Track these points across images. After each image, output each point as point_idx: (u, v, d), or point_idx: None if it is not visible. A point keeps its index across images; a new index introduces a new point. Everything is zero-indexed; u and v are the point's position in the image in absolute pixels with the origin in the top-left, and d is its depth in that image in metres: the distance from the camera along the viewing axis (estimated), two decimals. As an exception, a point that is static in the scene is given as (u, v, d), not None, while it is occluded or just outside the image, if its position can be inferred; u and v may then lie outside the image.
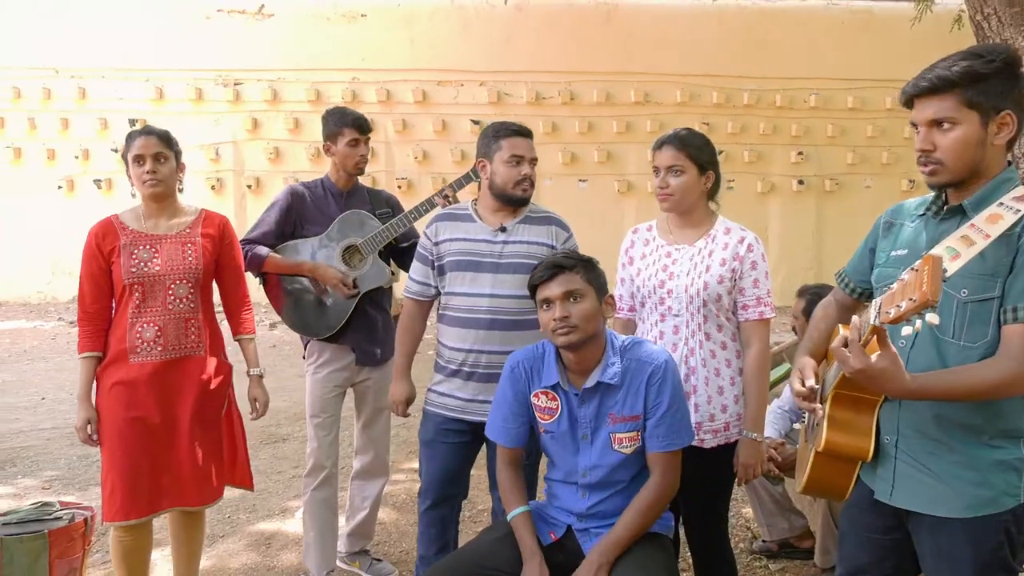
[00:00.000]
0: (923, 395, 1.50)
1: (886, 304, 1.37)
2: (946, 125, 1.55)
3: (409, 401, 2.61)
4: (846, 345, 1.48)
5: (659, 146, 2.28)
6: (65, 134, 9.89)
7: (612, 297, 2.09)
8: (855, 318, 1.50)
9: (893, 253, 1.69)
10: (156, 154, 2.46)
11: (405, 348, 2.61)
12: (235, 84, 9.88)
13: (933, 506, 1.58)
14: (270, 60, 9.78)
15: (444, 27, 9.88)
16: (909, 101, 1.60)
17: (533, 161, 2.50)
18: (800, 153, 10.20)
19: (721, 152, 2.35)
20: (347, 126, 2.94)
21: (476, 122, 9.76)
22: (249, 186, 9.88)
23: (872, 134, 10.21)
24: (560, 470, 2.10)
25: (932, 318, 1.24)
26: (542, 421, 2.10)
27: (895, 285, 1.36)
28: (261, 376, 2.67)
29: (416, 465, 4.23)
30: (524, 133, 2.51)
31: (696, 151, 2.24)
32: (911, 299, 1.26)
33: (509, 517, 2.08)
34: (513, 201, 2.47)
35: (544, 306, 2.02)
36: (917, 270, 1.28)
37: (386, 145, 9.91)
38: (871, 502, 1.69)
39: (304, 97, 9.81)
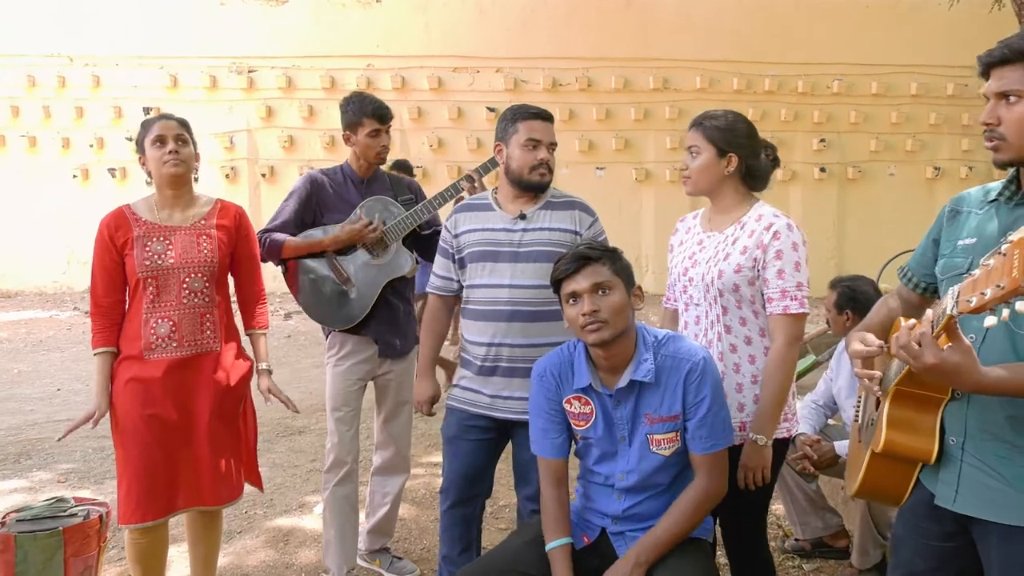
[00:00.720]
0: (999, 391, 1.39)
1: (966, 292, 1.25)
2: (1012, 98, 1.43)
3: (434, 400, 2.52)
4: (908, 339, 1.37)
5: (690, 129, 2.18)
6: (80, 122, 9.86)
7: (640, 288, 1.98)
8: (928, 311, 1.38)
9: (960, 242, 1.57)
10: (177, 135, 2.38)
11: (429, 345, 2.53)
12: (249, 71, 9.82)
13: (1004, 514, 1.46)
14: (284, 47, 9.72)
15: (460, 12, 9.78)
16: (985, 71, 1.48)
17: (552, 146, 2.39)
18: (822, 140, 10.02)
19: (771, 146, 2.24)
20: (367, 116, 2.85)
21: (492, 109, 9.67)
22: (263, 175, 9.83)
23: (896, 120, 10.01)
24: (598, 474, 2.00)
25: (1022, 306, 1.13)
26: (577, 428, 1.99)
27: (978, 272, 1.25)
28: (270, 371, 2.59)
29: (437, 459, 4.16)
30: (543, 116, 2.40)
31: (714, 132, 2.12)
32: (998, 286, 1.15)
33: (548, 547, 1.96)
34: (530, 187, 2.37)
35: (571, 301, 1.91)
36: (1005, 254, 1.16)
37: (401, 133, 9.84)
38: (930, 507, 1.58)
39: (319, 84, 9.73)
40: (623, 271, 1.92)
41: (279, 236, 2.81)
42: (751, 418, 2.09)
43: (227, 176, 9.77)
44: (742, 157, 2.13)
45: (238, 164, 9.87)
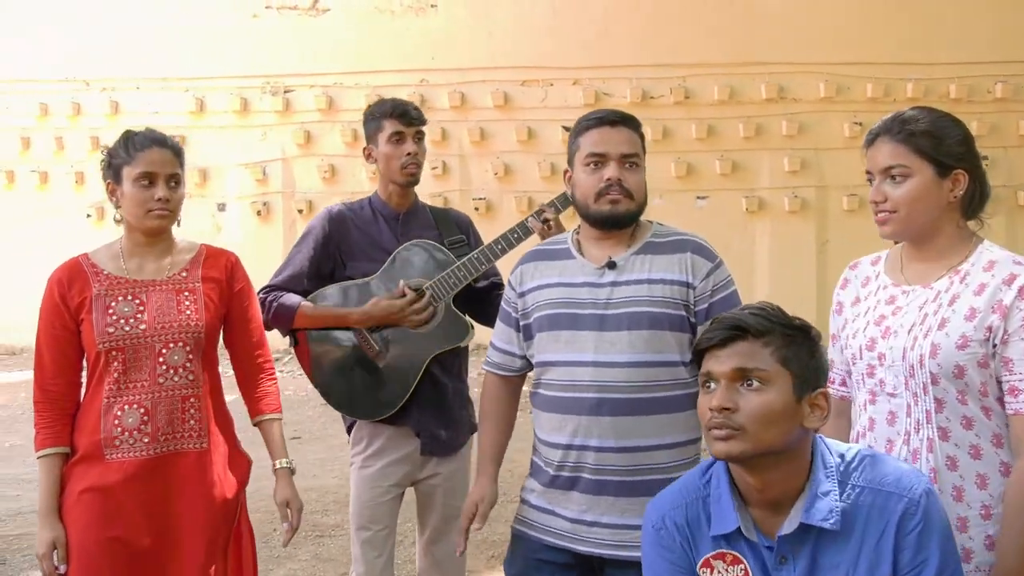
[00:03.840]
0: None
1: None
2: None
3: (488, 504, 2.18)
4: None
5: (871, 140, 1.84)
6: (95, 154, 10.02)
7: (826, 395, 1.57)
8: None
9: None
10: (170, 175, 2.15)
11: (490, 440, 2.21)
12: (285, 92, 9.88)
13: None
14: (325, 63, 9.74)
15: (529, 16, 9.64)
16: None
17: (625, 160, 2.05)
18: (984, 158, 9.37)
19: (985, 158, 1.90)
20: (386, 117, 2.58)
21: (569, 128, 9.38)
22: (300, 211, 9.80)
23: None
24: None
25: None
26: None
27: None
28: (292, 471, 2.28)
29: (500, 578, 3.79)
30: (609, 120, 2.09)
31: (926, 142, 1.77)
32: None
33: None
34: (599, 221, 2.06)
35: (706, 384, 1.55)
36: None
37: (460, 159, 9.68)
38: None
39: (364, 105, 9.57)
40: (796, 360, 1.52)
41: (290, 299, 2.52)
42: (982, 571, 1.67)
43: (259, 213, 9.80)
44: (971, 175, 1.78)
45: (271, 199, 9.89)
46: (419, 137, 2.63)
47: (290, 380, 7.42)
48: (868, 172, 1.84)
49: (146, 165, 2.11)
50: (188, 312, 2.15)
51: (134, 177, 2.12)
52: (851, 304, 1.93)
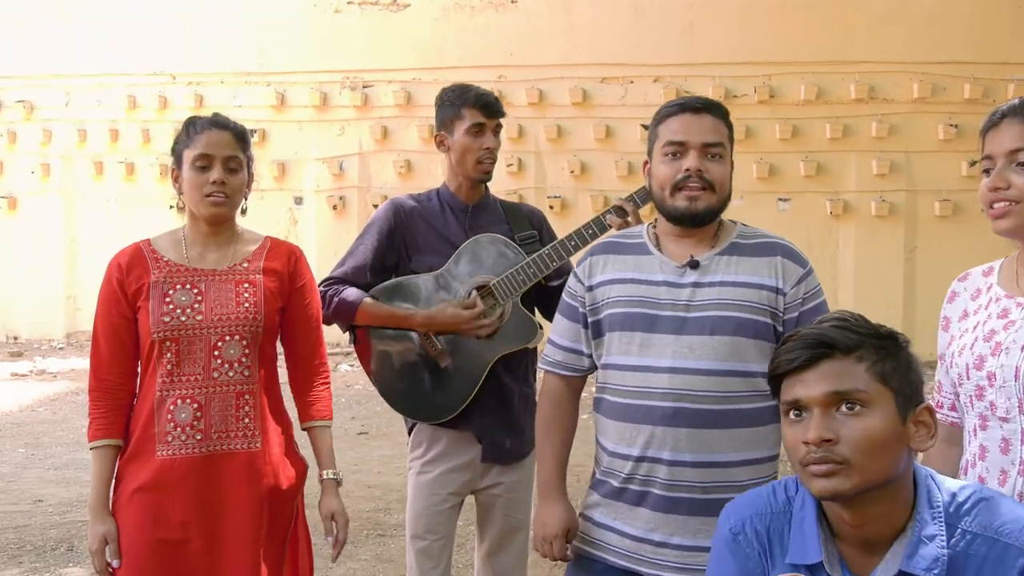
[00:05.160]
0: None
1: None
2: None
3: (568, 534, 2.01)
4: None
5: (995, 122, 1.64)
6: (179, 147, 10.29)
7: (930, 410, 1.38)
8: None
9: None
10: (228, 158, 2.06)
11: (553, 451, 2.04)
12: (364, 87, 9.94)
13: None
14: (403, 58, 9.78)
15: (609, 11, 9.50)
16: None
17: (707, 149, 1.88)
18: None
19: None
20: (467, 106, 2.45)
21: (648, 127, 9.22)
22: (375, 205, 9.77)
23: None
24: None
25: None
26: None
27: None
28: (338, 482, 2.19)
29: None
30: (689, 107, 1.91)
31: None
32: None
33: None
34: (675, 217, 1.90)
35: (791, 413, 1.37)
36: None
37: (536, 156, 9.60)
38: None
39: (442, 101, 9.69)
40: (896, 377, 1.34)
41: (351, 293, 2.43)
42: None
43: (335, 207, 9.88)
44: None
45: (348, 193, 9.97)
46: (498, 130, 2.52)
47: (359, 375, 7.42)
48: (987, 157, 1.63)
49: (203, 147, 2.03)
50: (247, 304, 2.06)
51: (191, 160, 2.04)
52: (959, 319, 1.75)
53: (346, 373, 8.44)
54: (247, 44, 9.99)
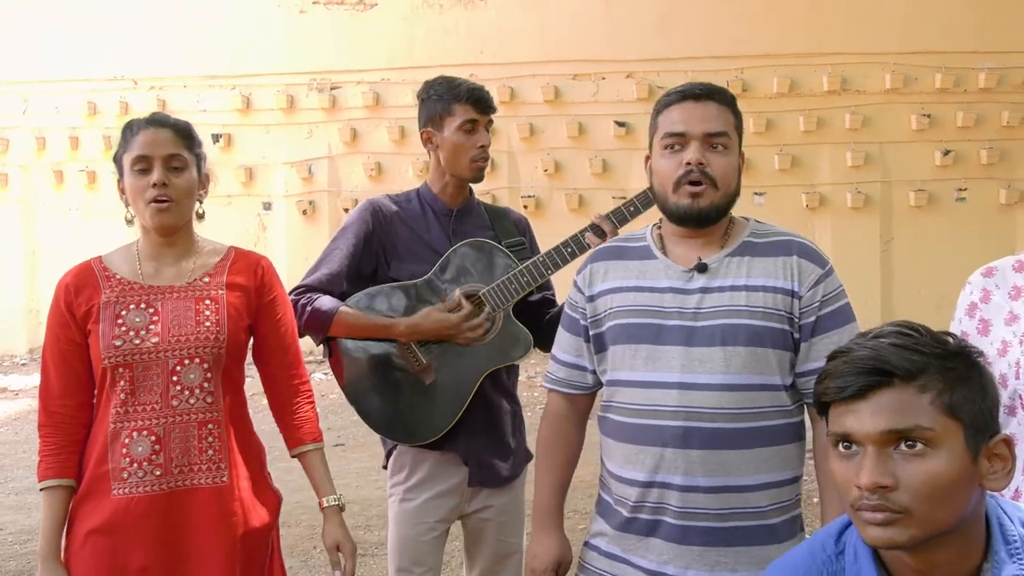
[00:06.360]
0: None
1: None
2: None
3: (560, 569, 1.86)
4: None
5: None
6: (143, 154, 10.01)
7: (1008, 442, 1.19)
8: None
9: None
10: (169, 156, 1.86)
11: (552, 477, 1.88)
12: (332, 88, 9.75)
13: None
14: (372, 59, 9.58)
15: (580, 7, 9.38)
16: None
17: (710, 140, 1.72)
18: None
19: None
20: (459, 101, 2.28)
21: (622, 124, 9.20)
22: (346, 209, 9.64)
23: None
24: None
25: None
26: None
27: None
28: (342, 507, 2.01)
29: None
30: (694, 94, 1.75)
31: None
32: None
33: None
34: (679, 217, 1.74)
35: (842, 446, 1.19)
36: None
37: (509, 155, 9.45)
38: None
39: (411, 101, 9.38)
40: (965, 407, 1.15)
41: (325, 302, 2.23)
42: None
43: (304, 212, 9.69)
44: None
45: (317, 197, 9.77)
46: (489, 126, 2.35)
47: (333, 383, 7.22)
48: None
49: (140, 148, 1.84)
50: (208, 324, 1.88)
51: (130, 164, 1.86)
52: (1006, 322, 1.59)
53: (320, 382, 8.20)
54: (211, 47, 9.74)
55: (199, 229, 2.03)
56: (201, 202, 1.96)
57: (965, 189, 8.97)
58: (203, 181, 1.95)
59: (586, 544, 1.84)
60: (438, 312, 2.23)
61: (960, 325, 1.67)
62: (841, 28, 8.98)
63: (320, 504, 2.01)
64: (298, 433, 2.01)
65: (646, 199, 2.16)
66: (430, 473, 2.28)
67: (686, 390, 1.67)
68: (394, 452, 2.36)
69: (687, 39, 9.15)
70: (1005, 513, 1.21)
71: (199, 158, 1.94)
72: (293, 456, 2.03)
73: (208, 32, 9.75)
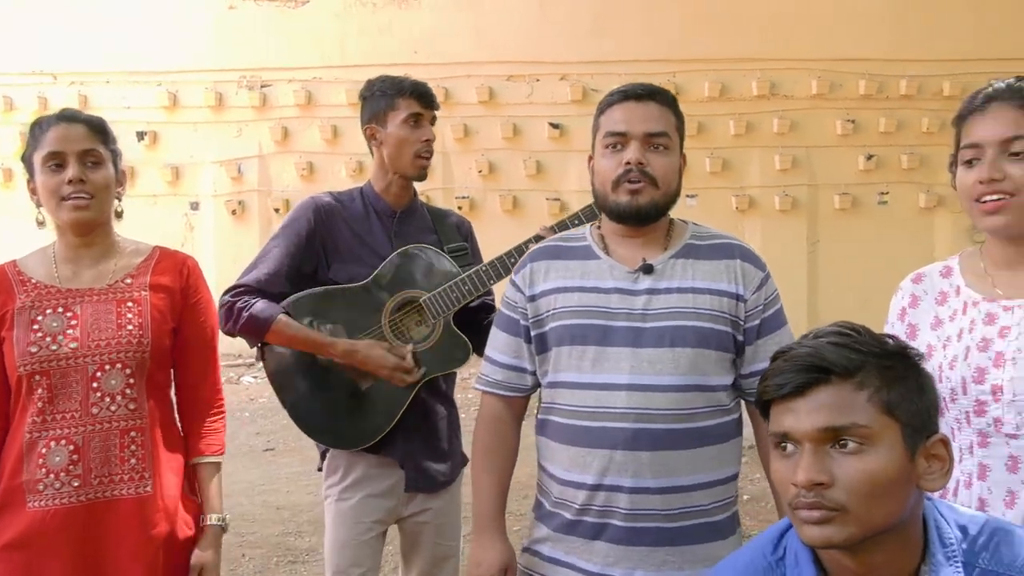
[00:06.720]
0: None
1: None
2: None
3: (508, 574, 1.83)
4: None
5: (981, 106, 1.52)
6: (63, 151, 9.68)
7: (945, 442, 1.20)
8: None
9: None
10: (84, 152, 1.80)
11: (492, 482, 1.85)
12: (262, 86, 9.57)
13: None
14: (303, 56, 9.43)
15: (515, 9, 9.38)
16: None
17: (651, 140, 1.73)
18: (979, 156, 9.21)
19: None
20: (403, 95, 2.25)
21: (556, 125, 9.22)
22: (277, 209, 9.50)
23: None
24: None
25: None
26: None
27: None
28: (223, 527, 1.94)
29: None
30: (636, 94, 1.77)
31: None
32: None
33: None
34: (619, 215, 1.75)
35: (781, 446, 1.20)
36: None
37: (443, 156, 9.37)
38: None
39: (344, 100, 9.37)
40: (902, 406, 1.15)
41: (263, 308, 2.17)
42: None
43: (234, 212, 9.49)
44: None
45: (247, 197, 9.58)
46: (433, 122, 2.33)
47: (264, 387, 7.08)
48: (973, 145, 1.52)
49: (52, 144, 1.77)
50: (130, 327, 1.81)
51: (42, 161, 1.79)
52: (931, 327, 1.63)
53: (249, 386, 8.06)
54: (135, 41, 9.46)
55: (123, 230, 1.96)
56: (119, 200, 1.89)
57: (887, 193, 9.26)
58: (120, 179, 1.89)
59: (526, 549, 1.83)
60: (381, 351, 2.20)
61: (892, 329, 1.70)
62: (770, 35, 9.16)
63: (203, 520, 1.92)
64: (200, 443, 1.95)
65: (591, 212, 2.15)
66: (365, 473, 2.25)
67: (636, 391, 1.68)
68: (328, 453, 2.32)
69: (621, 42, 9.21)
70: (942, 515, 1.22)
71: (115, 154, 1.88)
72: (190, 464, 1.95)
73: (133, 26, 9.47)
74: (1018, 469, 1.47)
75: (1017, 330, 1.49)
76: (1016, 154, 1.48)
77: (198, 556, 1.90)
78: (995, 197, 1.49)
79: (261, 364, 2.36)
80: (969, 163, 1.53)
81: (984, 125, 1.51)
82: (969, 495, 1.52)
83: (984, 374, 1.50)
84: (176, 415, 1.94)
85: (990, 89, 1.54)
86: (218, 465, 1.97)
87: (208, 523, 1.92)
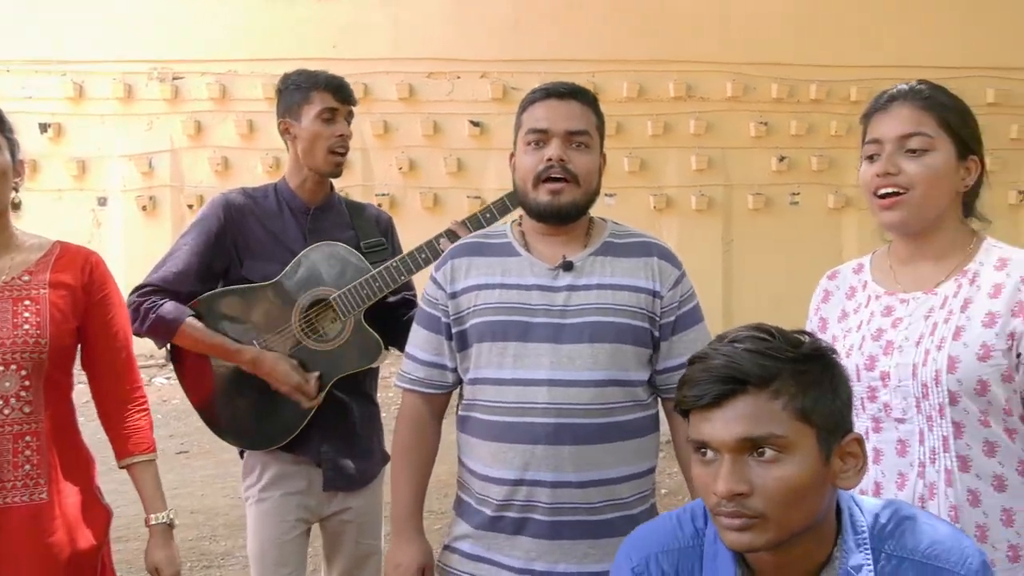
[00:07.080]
0: None
1: None
2: None
3: (425, 574, 1.83)
4: None
5: (884, 105, 1.61)
6: (-41, 142, 9.22)
7: (859, 440, 1.23)
8: None
9: None
10: None
11: (411, 482, 1.85)
12: (174, 78, 9.30)
13: None
14: (217, 49, 9.20)
15: (436, 5, 9.35)
16: None
17: (572, 138, 1.77)
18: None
19: None
20: (317, 89, 2.23)
21: (476, 123, 9.22)
22: (190, 206, 9.23)
23: (1018, 135, 9.52)
24: None
25: None
26: None
27: None
28: (170, 525, 1.89)
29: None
30: (557, 93, 1.80)
31: (955, 116, 1.57)
32: None
33: None
34: (541, 214, 1.78)
35: (701, 452, 1.22)
36: None
37: (363, 152, 9.29)
38: None
39: (260, 94, 9.20)
40: (817, 411, 1.17)
41: (170, 309, 2.13)
42: None
43: (144, 208, 9.21)
44: (982, 165, 1.60)
45: (158, 193, 9.30)
46: (350, 118, 2.30)
47: (175, 388, 6.89)
48: (873, 141, 1.59)
49: None
50: (27, 327, 1.73)
51: None
52: (838, 319, 1.70)
53: (161, 387, 7.83)
54: (38, 28, 9.08)
55: (25, 227, 1.88)
56: (17, 190, 1.81)
57: (798, 193, 9.55)
58: (19, 168, 1.81)
59: (447, 547, 1.83)
60: (287, 367, 2.18)
61: (809, 324, 1.78)
62: (687, 37, 9.34)
63: (147, 520, 1.89)
64: (127, 443, 1.89)
65: (503, 206, 2.17)
66: (281, 472, 2.23)
67: (556, 387, 1.70)
68: (245, 454, 2.28)
69: (541, 41, 9.27)
70: (857, 506, 1.26)
71: (11, 142, 1.79)
72: (122, 467, 1.90)
73: (34, 11, 9.09)
74: (907, 452, 1.54)
75: (908, 320, 1.57)
76: (912, 151, 1.55)
77: (153, 555, 1.86)
78: (890, 190, 1.55)
79: (172, 366, 2.30)
80: (871, 158, 1.60)
81: (885, 122, 1.59)
82: (866, 480, 1.59)
83: (875, 361, 1.57)
84: (76, 418, 1.87)
85: (894, 90, 1.63)
86: (151, 462, 1.91)
87: (153, 522, 1.87)
